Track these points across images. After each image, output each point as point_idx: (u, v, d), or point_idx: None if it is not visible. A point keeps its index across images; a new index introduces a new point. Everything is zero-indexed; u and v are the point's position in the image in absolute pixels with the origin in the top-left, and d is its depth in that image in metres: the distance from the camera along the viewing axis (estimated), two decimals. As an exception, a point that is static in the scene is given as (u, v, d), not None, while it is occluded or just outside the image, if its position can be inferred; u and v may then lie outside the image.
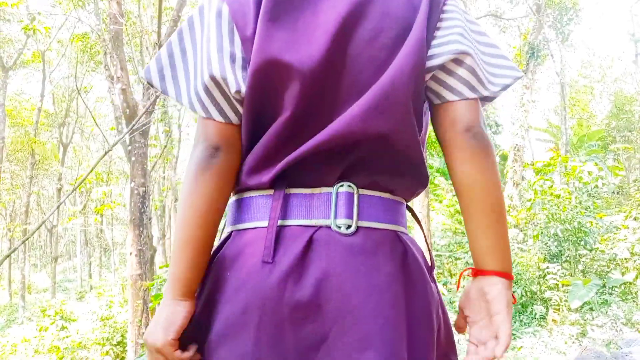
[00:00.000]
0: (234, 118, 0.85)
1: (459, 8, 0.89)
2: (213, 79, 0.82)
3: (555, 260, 7.42)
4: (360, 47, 0.82)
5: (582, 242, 7.22)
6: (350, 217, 0.81)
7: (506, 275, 0.82)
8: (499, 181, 0.85)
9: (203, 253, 0.83)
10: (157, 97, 5.67)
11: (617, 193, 12.12)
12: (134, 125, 4.88)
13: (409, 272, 0.84)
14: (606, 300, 6.33)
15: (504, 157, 16.14)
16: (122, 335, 8.41)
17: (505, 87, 0.89)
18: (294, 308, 0.76)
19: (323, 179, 0.83)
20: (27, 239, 4.44)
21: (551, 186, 8.13)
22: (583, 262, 7.36)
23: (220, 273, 0.83)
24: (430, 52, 0.86)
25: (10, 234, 16.50)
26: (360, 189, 0.84)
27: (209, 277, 0.85)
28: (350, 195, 0.82)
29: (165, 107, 11.90)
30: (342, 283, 0.77)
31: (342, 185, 0.82)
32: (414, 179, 0.90)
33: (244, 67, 0.84)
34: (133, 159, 6.58)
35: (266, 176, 0.82)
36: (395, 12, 0.84)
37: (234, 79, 0.82)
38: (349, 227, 0.81)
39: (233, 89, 0.81)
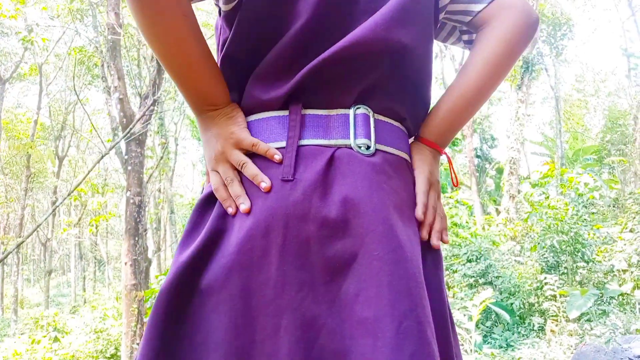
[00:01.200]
0: None
1: None
2: None
3: (552, 271, 7.40)
4: None
5: (580, 254, 7.22)
6: (368, 137, 0.79)
7: (437, 147, 0.88)
8: (506, 67, 0.86)
9: (212, 58, 0.79)
10: (155, 101, 5.66)
11: (614, 206, 12.13)
12: (131, 128, 4.87)
13: None
14: (604, 311, 6.30)
15: (500, 171, 16.18)
16: (115, 348, 8.30)
17: None
18: (321, 225, 0.72)
19: (339, 101, 0.79)
20: (23, 242, 4.41)
21: (547, 197, 8.15)
22: (580, 273, 7.34)
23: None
24: None
25: (4, 247, 16.36)
26: (375, 114, 0.82)
27: (207, 213, 0.79)
28: (367, 117, 0.80)
29: (162, 119, 11.90)
30: (369, 199, 0.74)
31: (359, 108, 0.80)
32: (422, 107, 0.90)
33: None
34: (129, 168, 6.55)
35: (280, 90, 0.77)
36: None
37: None
38: (368, 147, 0.79)
39: None
